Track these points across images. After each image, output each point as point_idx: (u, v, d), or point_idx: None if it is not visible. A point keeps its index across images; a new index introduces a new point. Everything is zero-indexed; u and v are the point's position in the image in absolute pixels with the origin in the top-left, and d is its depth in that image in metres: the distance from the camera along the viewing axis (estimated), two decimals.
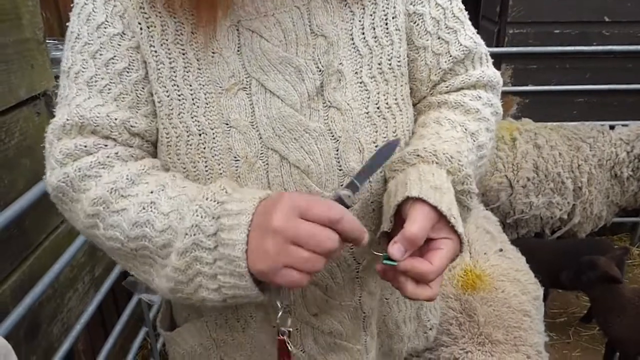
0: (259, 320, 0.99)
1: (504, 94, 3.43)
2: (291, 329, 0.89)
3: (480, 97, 0.99)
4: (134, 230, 0.81)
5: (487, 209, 2.37)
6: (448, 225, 0.81)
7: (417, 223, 0.78)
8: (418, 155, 0.87)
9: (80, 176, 0.84)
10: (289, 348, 0.87)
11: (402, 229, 0.78)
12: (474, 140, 0.94)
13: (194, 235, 0.77)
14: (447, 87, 1.00)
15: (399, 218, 0.82)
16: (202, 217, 0.77)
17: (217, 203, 0.77)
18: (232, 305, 0.96)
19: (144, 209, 0.81)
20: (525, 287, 1.68)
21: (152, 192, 0.82)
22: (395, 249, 0.77)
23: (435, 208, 0.79)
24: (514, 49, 3.30)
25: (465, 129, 0.94)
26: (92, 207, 0.83)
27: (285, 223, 0.72)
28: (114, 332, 1.93)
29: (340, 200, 0.79)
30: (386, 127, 0.92)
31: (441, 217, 0.80)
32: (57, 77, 1.86)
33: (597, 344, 2.78)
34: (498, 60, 3.30)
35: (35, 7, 1.73)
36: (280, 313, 0.87)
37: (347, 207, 0.79)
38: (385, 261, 0.79)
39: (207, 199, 0.78)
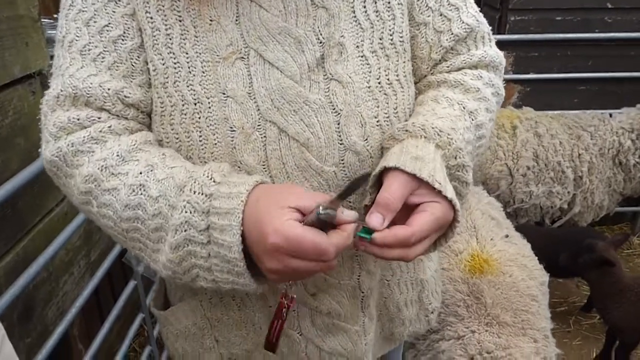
0: (256, 299, 0.97)
1: (505, 81, 3.41)
2: (295, 296, 0.88)
3: (481, 76, 0.97)
4: (127, 211, 0.80)
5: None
6: (434, 191, 0.79)
7: (389, 188, 0.77)
8: (407, 131, 0.86)
9: (73, 151, 0.83)
10: (284, 315, 0.87)
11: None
12: (472, 119, 0.91)
13: (185, 231, 0.77)
14: (447, 66, 0.97)
15: None
16: (191, 212, 0.77)
17: (205, 196, 0.77)
18: None
19: (133, 191, 0.80)
20: (532, 272, 1.67)
21: (141, 174, 0.81)
22: (373, 218, 0.76)
23: (414, 176, 0.77)
24: (515, 37, 3.27)
25: (464, 107, 0.92)
26: (84, 184, 0.82)
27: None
28: (109, 318, 1.89)
29: (319, 220, 0.73)
30: (387, 102, 0.90)
31: (422, 184, 0.79)
32: (53, 57, 1.82)
33: (598, 333, 2.78)
34: (499, 48, 3.25)
35: None
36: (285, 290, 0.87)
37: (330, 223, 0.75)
38: (359, 233, 0.76)
39: (194, 192, 0.77)
